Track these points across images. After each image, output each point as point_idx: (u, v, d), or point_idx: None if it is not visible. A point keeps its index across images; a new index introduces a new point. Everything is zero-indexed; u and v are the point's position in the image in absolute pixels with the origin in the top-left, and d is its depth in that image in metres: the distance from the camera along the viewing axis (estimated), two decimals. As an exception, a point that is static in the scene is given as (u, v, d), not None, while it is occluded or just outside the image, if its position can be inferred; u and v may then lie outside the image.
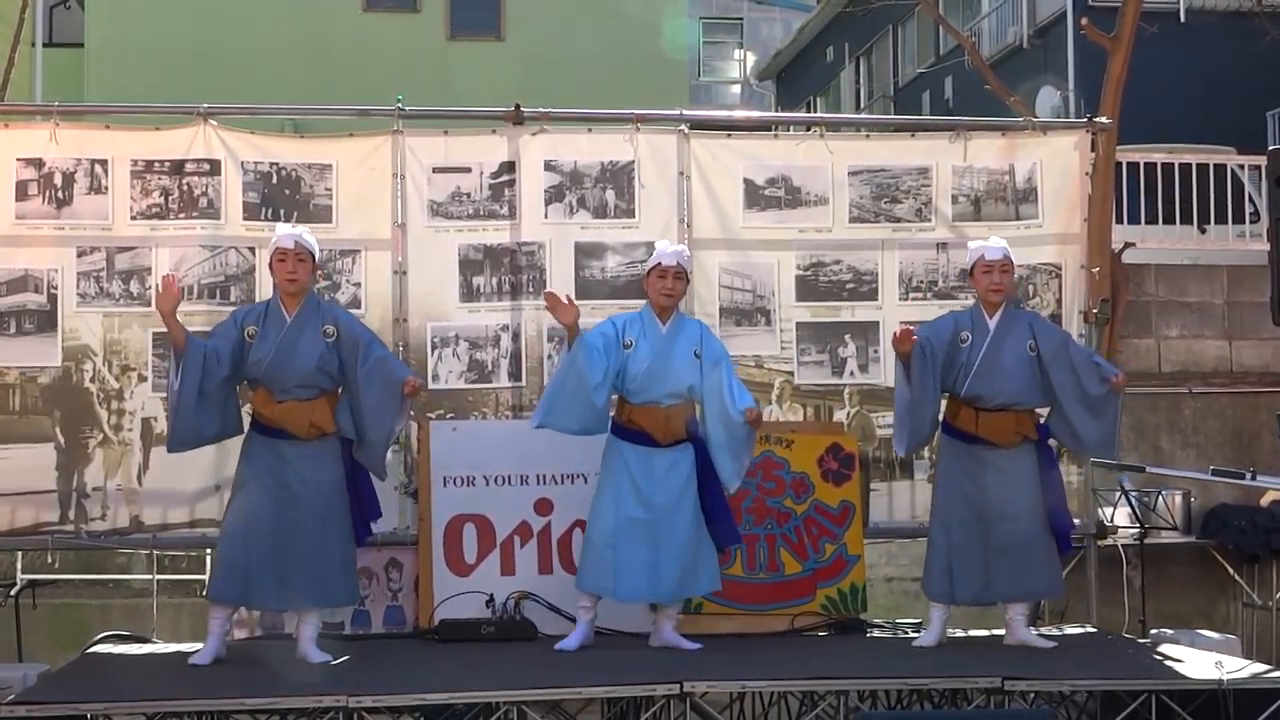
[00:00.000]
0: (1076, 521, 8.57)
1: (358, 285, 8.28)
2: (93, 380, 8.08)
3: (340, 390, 7.25)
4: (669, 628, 7.48)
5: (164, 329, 7.31)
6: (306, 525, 7.09)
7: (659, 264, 7.48)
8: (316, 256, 7.31)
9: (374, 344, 7.32)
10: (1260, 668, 7.07)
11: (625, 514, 7.31)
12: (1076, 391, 7.58)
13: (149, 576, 9.11)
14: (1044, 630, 8.53)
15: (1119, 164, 13.39)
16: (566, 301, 7.25)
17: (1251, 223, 14.31)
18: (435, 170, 8.39)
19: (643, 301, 7.61)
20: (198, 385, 7.00)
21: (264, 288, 7.90)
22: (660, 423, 7.37)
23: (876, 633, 8.19)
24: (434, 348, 8.31)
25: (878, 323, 8.56)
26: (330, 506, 7.17)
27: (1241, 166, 14.64)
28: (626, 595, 7.39)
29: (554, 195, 8.46)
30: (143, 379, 8.08)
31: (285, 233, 7.26)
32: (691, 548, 7.39)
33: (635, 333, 7.41)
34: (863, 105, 29.30)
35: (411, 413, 8.06)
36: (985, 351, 7.51)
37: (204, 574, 10.42)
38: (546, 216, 8.44)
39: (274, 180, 8.27)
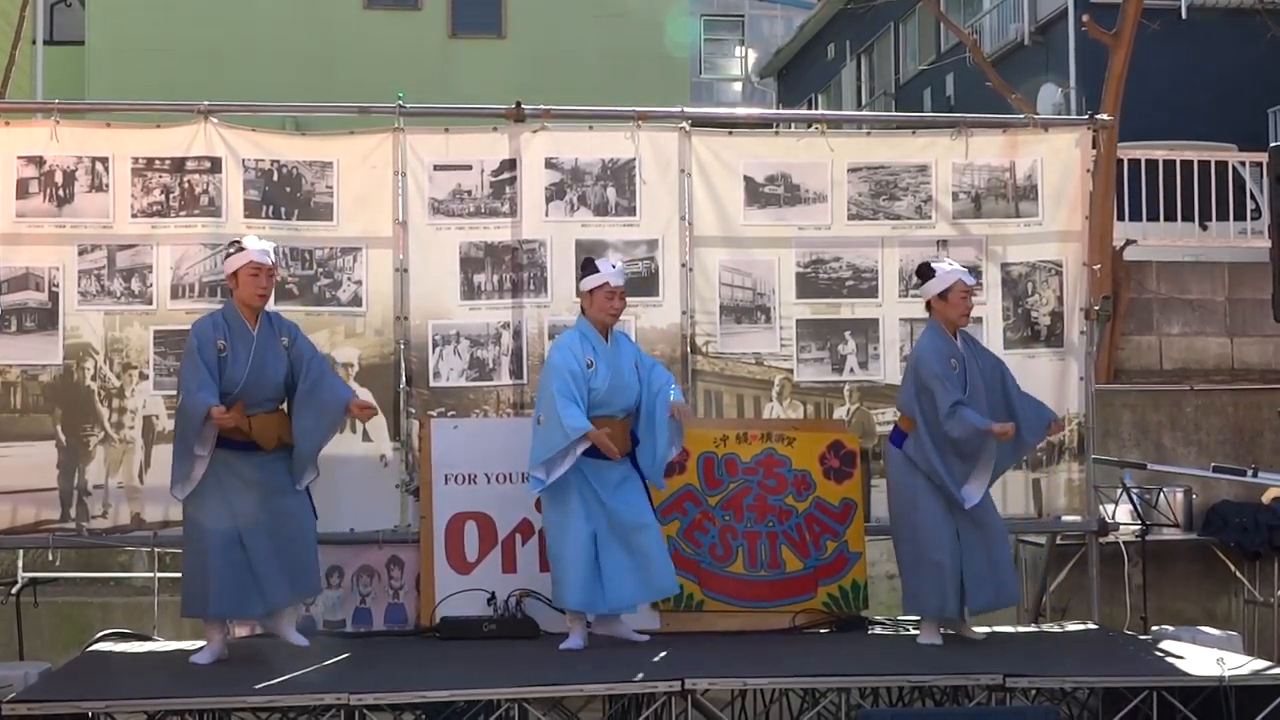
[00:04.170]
0: (1075, 519, 8.60)
1: (359, 283, 8.28)
2: (94, 378, 8.08)
3: None
4: (623, 621, 7.58)
5: (164, 326, 7.89)
6: (283, 533, 7.19)
7: (607, 284, 7.54)
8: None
9: (315, 360, 7.40)
10: (1262, 664, 7.09)
11: (599, 526, 7.40)
12: (1006, 417, 7.60)
13: (150, 574, 9.09)
14: (1046, 627, 8.56)
15: (1120, 161, 13.38)
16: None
17: (1253, 220, 14.30)
18: (436, 168, 8.39)
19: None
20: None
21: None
22: (617, 436, 7.44)
23: (878, 630, 8.20)
24: (435, 345, 8.31)
25: (878, 320, 8.57)
26: (301, 510, 7.30)
27: (1243, 163, 14.63)
28: (617, 604, 7.46)
29: (555, 193, 8.46)
30: (144, 377, 8.08)
31: (258, 247, 7.32)
32: (661, 539, 7.55)
33: (589, 351, 7.48)
34: (864, 103, 29.29)
35: (412, 409, 8.10)
36: (968, 376, 7.59)
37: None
38: (547, 214, 8.44)
39: (275, 178, 8.27)
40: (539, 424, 7.40)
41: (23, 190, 8.09)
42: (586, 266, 7.66)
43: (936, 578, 7.53)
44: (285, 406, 7.37)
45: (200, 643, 7.36)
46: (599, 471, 7.42)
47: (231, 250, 7.34)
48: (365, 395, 7.96)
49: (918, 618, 7.87)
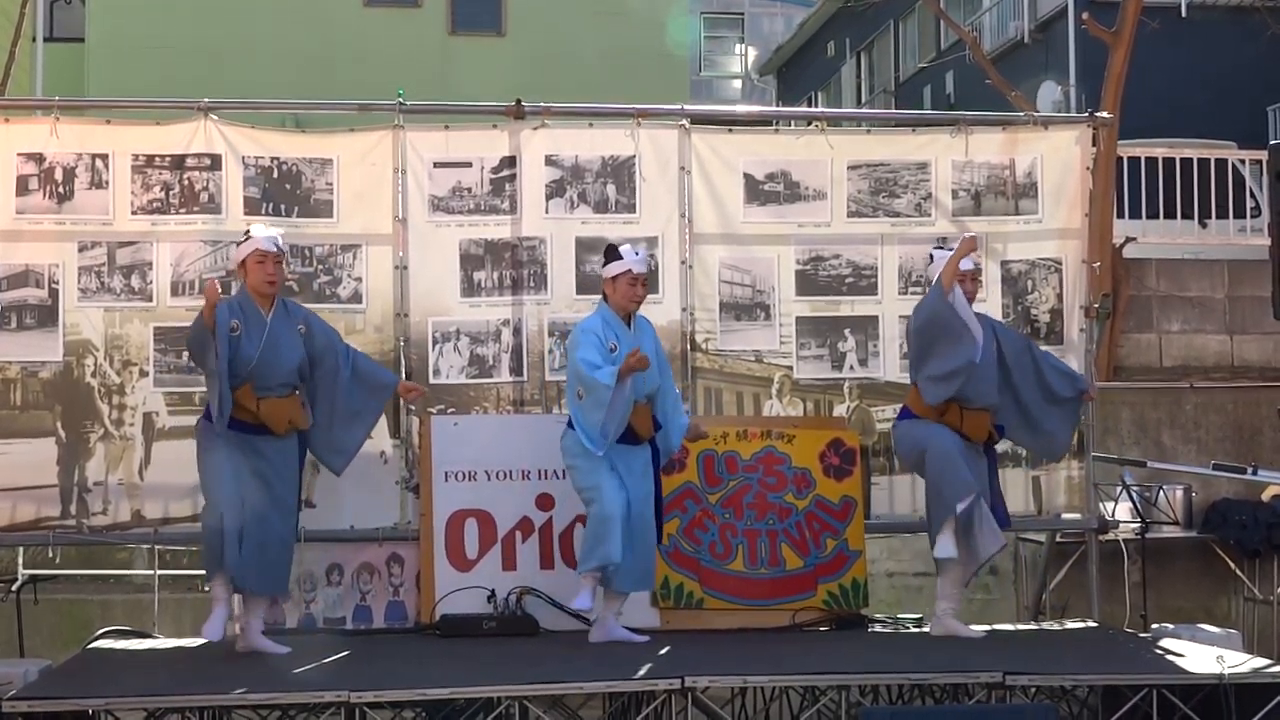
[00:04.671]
0: (1075, 517, 8.60)
1: (359, 280, 8.28)
2: (94, 375, 8.07)
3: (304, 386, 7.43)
4: (616, 620, 7.51)
5: (164, 323, 7.91)
6: (275, 515, 7.20)
7: (630, 270, 7.50)
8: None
9: (343, 346, 7.52)
10: (1261, 662, 7.08)
11: (627, 499, 7.33)
12: (1040, 389, 7.85)
13: (150, 572, 9.11)
14: (1046, 625, 8.56)
15: (1120, 159, 13.38)
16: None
17: (1253, 217, 14.30)
18: (436, 165, 8.39)
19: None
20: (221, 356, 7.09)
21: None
22: (642, 419, 7.42)
23: (878, 628, 8.20)
24: (435, 342, 8.31)
25: (877, 317, 8.57)
26: (291, 499, 7.34)
27: (1243, 161, 14.62)
28: (626, 587, 7.46)
29: (555, 190, 8.46)
30: (144, 374, 8.08)
31: (265, 235, 7.34)
32: (652, 552, 7.55)
33: (612, 337, 7.44)
34: (864, 100, 29.28)
35: (412, 408, 8.10)
36: None
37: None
38: (547, 211, 8.44)
39: (275, 175, 8.27)
40: (580, 399, 7.30)
41: (23, 187, 8.09)
42: (609, 253, 7.60)
43: (956, 476, 7.52)
44: (299, 392, 7.37)
45: (201, 641, 7.33)
46: (625, 456, 7.38)
47: (242, 240, 7.36)
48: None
49: (920, 615, 7.87)
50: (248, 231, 7.42)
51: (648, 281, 7.64)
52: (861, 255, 8.63)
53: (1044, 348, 8.49)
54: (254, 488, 7.12)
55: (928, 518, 7.74)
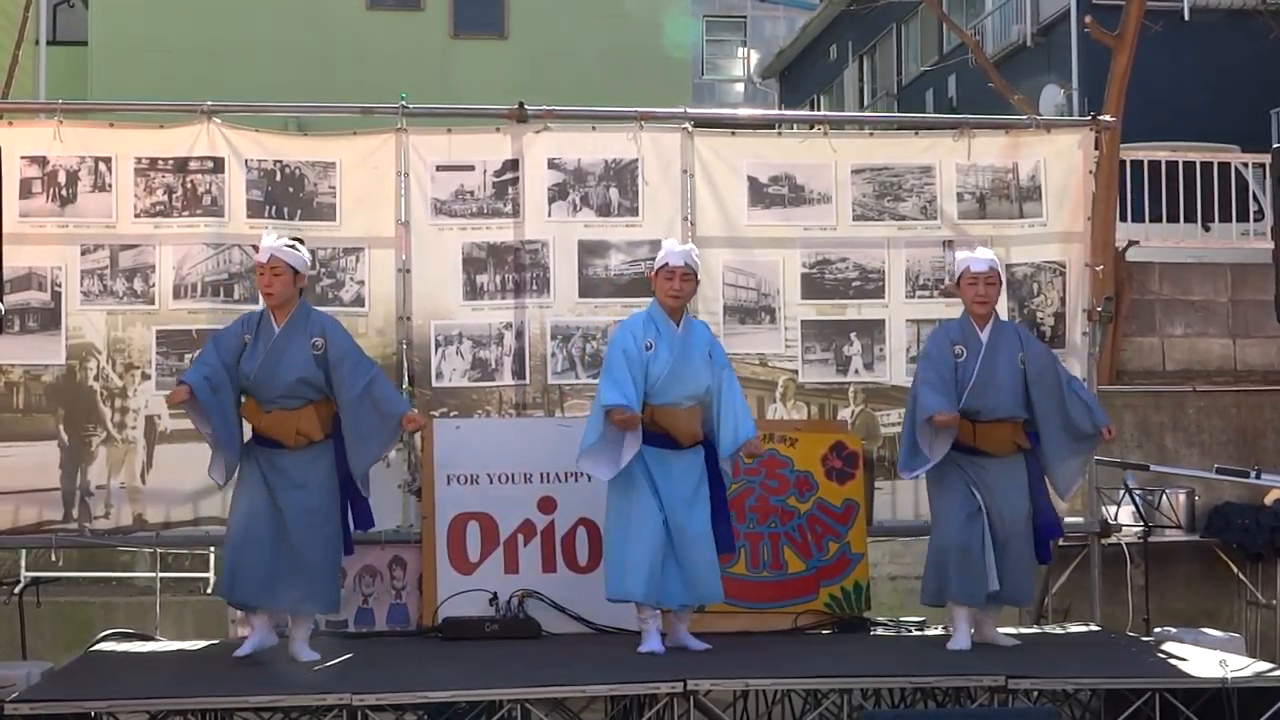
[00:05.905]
0: (1077, 520, 8.59)
1: (361, 283, 8.28)
2: (96, 378, 8.07)
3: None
4: (684, 629, 7.41)
5: (167, 326, 7.87)
6: (297, 530, 7.08)
7: (666, 264, 7.42)
8: (299, 269, 7.24)
9: (362, 365, 7.28)
10: (1264, 666, 7.06)
11: (661, 519, 7.22)
12: (1060, 416, 7.59)
13: (152, 574, 9.12)
14: (1048, 628, 8.55)
15: (1123, 162, 13.38)
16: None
17: (1255, 221, 14.28)
18: (439, 168, 8.39)
19: (649, 299, 7.59)
20: (221, 411, 7.05)
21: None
22: (682, 425, 7.31)
23: (880, 631, 8.19)
24: (437, 346, 8.31)
25: (883, 320, 8.56)
26: (321, 512, 7.17)
27: (1245, 164, 14.62)
28: (674, 601, 7.32)
29: (558, 193, 8.45)
30: (146, 377, 8.07)
31: (266, 244, 7.22)
32: (710, 547, 7.36)
33: (652, 334, 7.32)
34: (866, 104, 29.29)
35: (414, 410, 8.07)
36: (980, 366, 7.48)
37: (207, 572, 10.47)
38: (550, 215, 8.43)
39: (278, 178, 8.26)
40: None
41: (26, 190, 8.08)
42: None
43: (938, 562, 7.47)
44: (317, 407, 7.25)
45: (203, 642, 7.35)
46: (662, 461, 7.27)
47: None
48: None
49: (922, 618, 7.87)
50: None
51: (688, 277, 7.42)
52: (868, 259, 8.60)
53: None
54: (275, 509, 7.06)
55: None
